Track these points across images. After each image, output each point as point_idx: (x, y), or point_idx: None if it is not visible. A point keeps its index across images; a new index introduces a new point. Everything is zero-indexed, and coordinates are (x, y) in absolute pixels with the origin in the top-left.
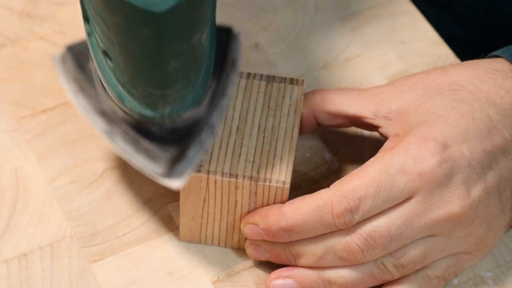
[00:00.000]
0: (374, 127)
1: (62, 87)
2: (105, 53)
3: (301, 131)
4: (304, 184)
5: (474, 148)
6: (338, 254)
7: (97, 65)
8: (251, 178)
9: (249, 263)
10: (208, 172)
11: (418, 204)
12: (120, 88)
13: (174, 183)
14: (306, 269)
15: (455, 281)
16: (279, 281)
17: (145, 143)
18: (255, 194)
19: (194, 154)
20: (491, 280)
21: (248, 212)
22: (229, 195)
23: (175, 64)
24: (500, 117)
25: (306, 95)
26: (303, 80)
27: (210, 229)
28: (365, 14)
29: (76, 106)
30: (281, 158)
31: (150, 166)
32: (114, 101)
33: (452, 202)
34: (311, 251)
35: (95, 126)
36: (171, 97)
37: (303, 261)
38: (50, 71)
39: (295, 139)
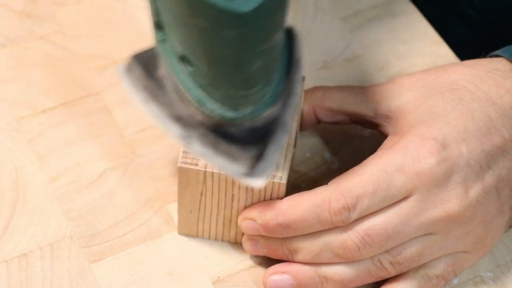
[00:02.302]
0: (373, 125)
1: (131, 97)
2: (183, 58)
3: (302, 128)
4: (304, 184)
5: (473, 147)
6: (334, 251)
7: (173, 71)
8: None
9: (249, 263)
10: (206, 165)
11: (415, 202)
12: (200, 92)
13: (257, 182)
14: (302, 265)
15: (455, 281)
16: (275, 277)
17: (225, 145)
18: (252, 188)
19: (272, 153)
20: (491, 280)
21: (245, 206)
22: (226, 189)
23: (257, 64)
24: (500, 117)
25: (307, 91)
26: (303, 77)
27: (207, 222)
28: (365, 14)
29: (147, 114)
30: None
31: (231, 167)
32: (191, 106)
33: (450, 201)
34: (308, 247)
35: (170, 132)
36: (253, 97)
37: (300, 257)
38: (50, 71)
39: (293, 135)
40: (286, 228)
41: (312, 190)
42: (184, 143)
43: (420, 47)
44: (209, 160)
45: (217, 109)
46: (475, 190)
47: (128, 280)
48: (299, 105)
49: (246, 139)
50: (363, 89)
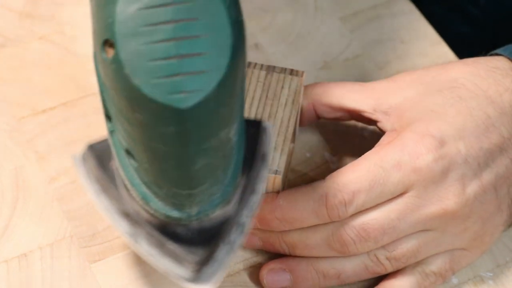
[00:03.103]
0: (372, 122)
1: (84, 187)
2: (128, 152)
3: (301, 124)
4: (304, 184)
5: (471, 145)
6: (331, 245)
7: (120, 164)
8: None
9: (249, 263)
10: None
11: (412, 199)
12: (144, 189)
13: None
14: (299, 260)
15: (455, 281)
16: (272, 272)
17: (171, 245)
18: None
19: (223, 255)
20: (491, 280)
21: None
22: None
23: (202, 162)
24: (499, 115)
25: (307, 87)
26: (303, 72)
27: None
28: (365, 14)
29: (98, 207)
30: (275, 148)
31: (176, 270)
32: (137, 202)
33: (447, 198)
34: (304, 241)
35: (118, 228)
36: (198, 196)
37: (296, 251)
38: (50, 71)
39: (290, 129)
40: (283, 222)
41: (309, 184)
42: (131, 240)
43: (420, 47)
44: (155, 262)
45: (160, 208)
46: (472, 188)
47: (128, 280)
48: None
49: (193, 240)
50: (363, 85)
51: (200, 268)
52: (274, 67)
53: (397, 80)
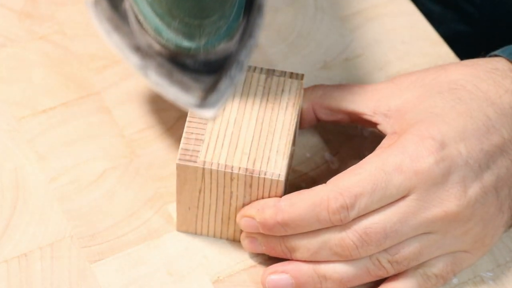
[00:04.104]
0: (373, 124)
1: (95, 27)
2: None
3: (301, 126)
4: (304, 184)
5: (472, 147)
6: (333, 249)
7: (134, 0)
8: (246, 170)
9: (249, 263)
10: (204, 163)
11: (414, 202)
12: (158, 21)
13: (207, 113)
14: (301, 264)
15: (455, 281)
16: (274, 276)
17: (179, 75)
18: (250, 186)
19: (225, 87)
20: (491, 280)
21: (243, 204)
22: (224, 186)
23: None
24: (499, 116)
25: (306, 90)
26: (302, 75)
27: (206, 219)
28: (365, 14)
29: (109, 44)
30: (277, 151)
31: (183, 98)
32: (150, 36)
33: (449, 201)
34: (306, 246)
35: (129, 62)
36: (207, 27)
37: (298, 255)
38: (50, 71)
39: (291, 132)
40: (285, 226)
41: (310, 188)
42: (141, 73)
43: (420, 47)
44: (164, 90)
45: (172, 38)
46: (473, 190)
47: (128, 280)
48: (255, 46)
49: (200, 70)
50: (362, 87)
51: (206, 96)
52: (274, 70)
53: (396, 82)
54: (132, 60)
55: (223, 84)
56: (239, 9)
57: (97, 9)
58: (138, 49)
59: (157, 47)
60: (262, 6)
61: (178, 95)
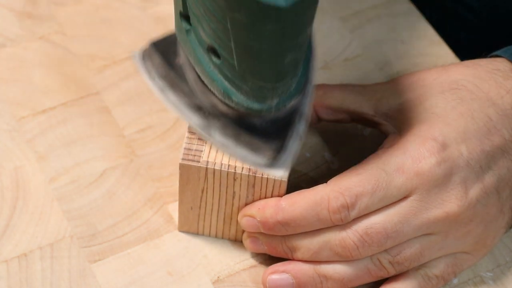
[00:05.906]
0: (374, 124)
1: (147, 84)
2: (211, 49)
3: None
4: (304, 184)
5: (473, 148)
6: (333, 249)
7: (197, 61)
8: (249, 170)
9: (249, 263)
10: (207, 162)
11: (415, 202)
12: (226, 84)
13: (278, 173)
14: (302, 264)
15: (455, 281)
16: (275, 276)
17: (246, 136)
18: (253, 186)
19: (293, 143)
20: (491, 280)
21: (246, 204)
22: (227, 186)
23: (290, 57)
24: (500, 117)
25: None
26: None
27: (208, 219)
28: (365, 14)
29: (164, 103)
30: None
31: (253, 158)
32: (214, 96)
33: (450, 202)
34: (307, 245)
35: (189, 122)
36: (280, 89)
37: (299, 255)
38: (50, 71)
39: None
40: (285, 225)
41: (311, 188)
42: (204, 133)
43: (420, 47)
44: (230, 151)
45: (243, 101)
46: (475, 191)
47: (128, 280)
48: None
49: (268, 130)
50: (363, 87)
51: (276, 156)
52: None
53: (397, 82)
54: (193, 119)
55: (291, 140)
56: (306, 63)
57: (148, 65)
58: (199, 109)
59: (223, 108)
60: (315, 47)
61: (247, 156)
